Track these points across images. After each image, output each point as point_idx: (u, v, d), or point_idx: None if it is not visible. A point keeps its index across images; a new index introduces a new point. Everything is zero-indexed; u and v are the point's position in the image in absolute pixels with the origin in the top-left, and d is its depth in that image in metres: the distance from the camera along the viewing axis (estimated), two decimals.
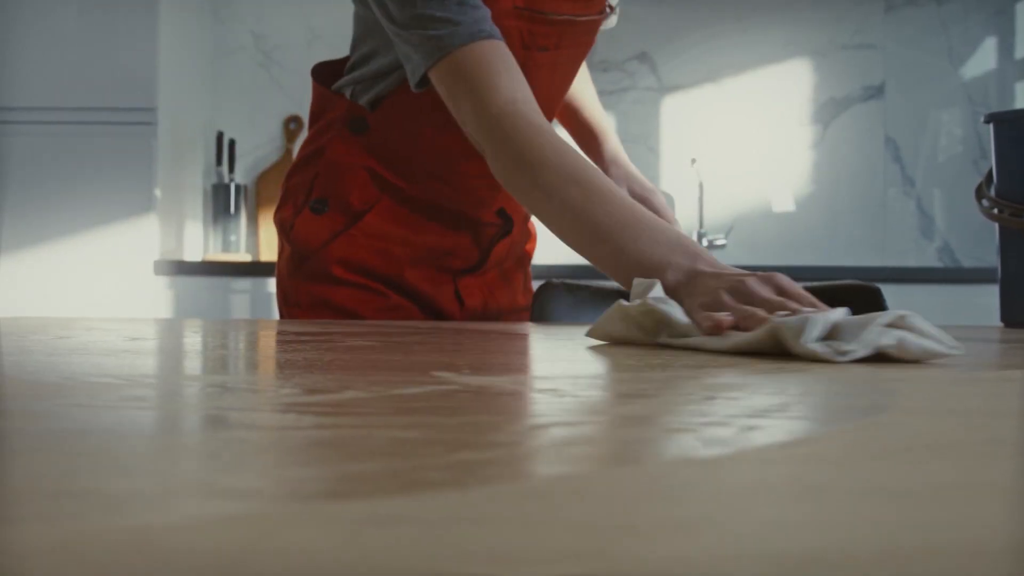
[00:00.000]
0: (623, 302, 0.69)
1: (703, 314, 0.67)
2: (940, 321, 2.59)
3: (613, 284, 1.28)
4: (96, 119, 2.62)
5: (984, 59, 3.14)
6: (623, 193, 0.87)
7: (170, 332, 0.87)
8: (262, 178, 3.08)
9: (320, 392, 0.37)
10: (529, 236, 1.31)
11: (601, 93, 3.10)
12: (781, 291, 0.70)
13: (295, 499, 0.19)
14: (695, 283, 0.74)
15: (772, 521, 0.18)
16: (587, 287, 1.23)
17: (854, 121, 3.13)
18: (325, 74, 1.23)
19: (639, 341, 0.69)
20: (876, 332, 0.55)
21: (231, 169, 3.01)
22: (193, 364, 0.52)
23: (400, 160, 1.16)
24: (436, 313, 1.20)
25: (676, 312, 0.68)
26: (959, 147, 3.13)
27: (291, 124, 3.07)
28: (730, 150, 3.12)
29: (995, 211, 1.08)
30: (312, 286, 1.17)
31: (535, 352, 0.66)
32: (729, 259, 3.06)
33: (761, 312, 0.64)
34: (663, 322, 0.68)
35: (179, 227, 2.85)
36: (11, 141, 2.61)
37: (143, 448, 0.25)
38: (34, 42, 2.62)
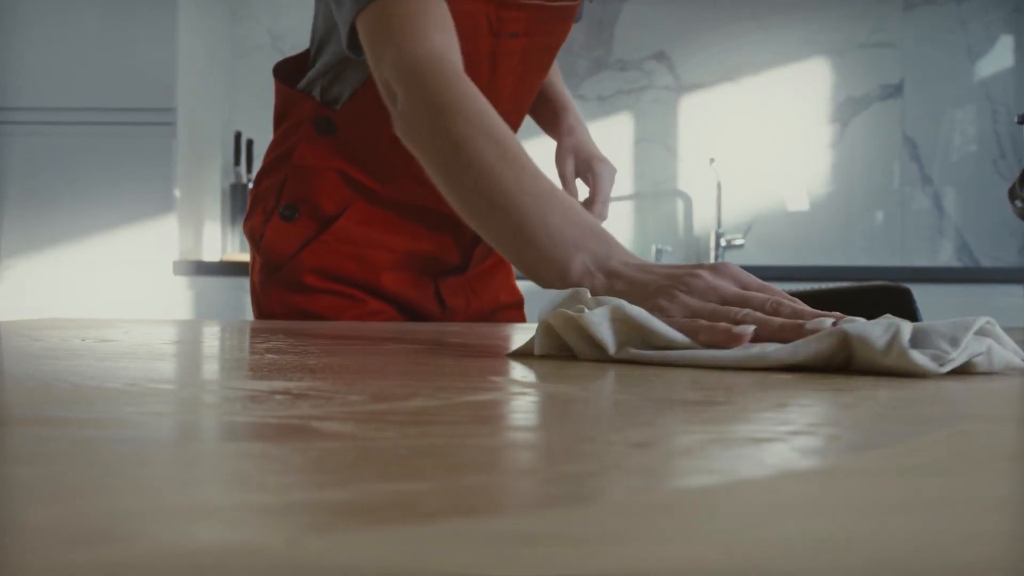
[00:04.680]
0: (550, 315, 0.57)
1: (705, 324, 0.54)
2: None
3: None
4: (116, 120, 2.63)
5: (1002, 57, 3.12)
6: (537, 167, 0.74)
7: (205, 335, 0.87)
8: None
9: (389, 400, 0.37)
10: None
11: (619, 92, 3.10)
12: (741, 284, 0.61)
13: (422, 516, 0.19)
14: (634, 280, 0.62)
15: (908, 534, 0.18)
16: None
17: (872, 120, 3.12)
18: (289, 72, 1.17)
19: (588, 357, 0.56)
20: (972, 339, 0.49)
21: (249, 169, 3.01)
22: (244, 369, 0.52)
23: (371, 159, 1.10)
24: (415, 316, 1.16)
25: (652, 320, 0.55)
26: (977, 145, 3.11)
27: None
28: (748, 150, 3.11)
29: None
30: (286, 295, 1.12)
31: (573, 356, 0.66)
32: (747, 259, 3.06)
33: (757, 314, 0.55)
34: (638, 331, 0.54)
35: (198, 227, 2.86)
36: (30, 141, 2.62)
37: (244, 461, 0.25)
38: (52, 43, 2.63)
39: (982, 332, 0.50)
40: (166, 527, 0.18)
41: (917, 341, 0.49)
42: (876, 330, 0.48)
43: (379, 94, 0.95)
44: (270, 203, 1.14)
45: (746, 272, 0.61)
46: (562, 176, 1.16)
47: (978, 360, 0.49)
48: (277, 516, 0.18)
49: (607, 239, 0.67)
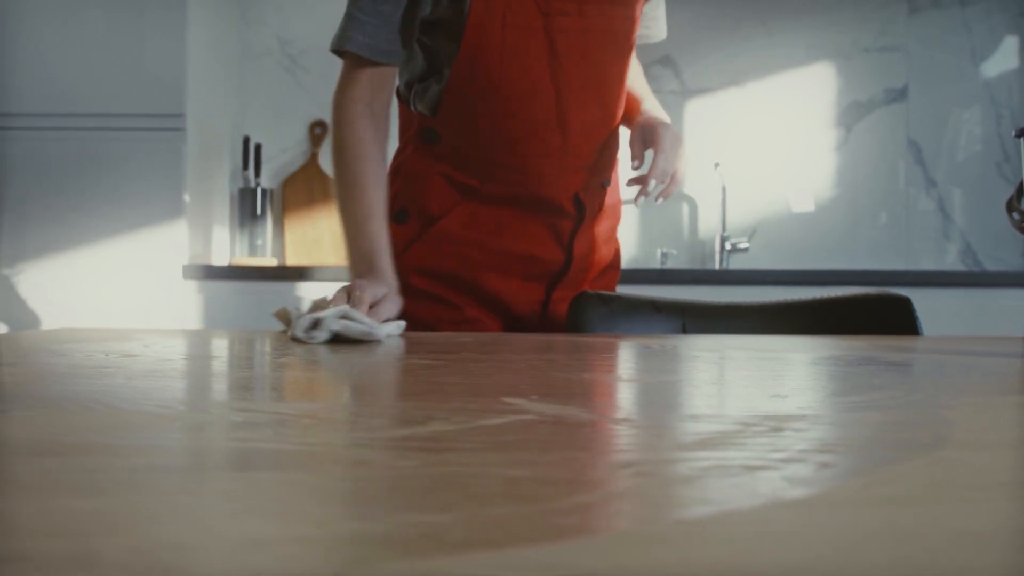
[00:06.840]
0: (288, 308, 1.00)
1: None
2: (967, 329, 2.58)
3: (646, 295, 1.30)
4: (125, 125, 2.66)
5: (1006, 59, 3.14)
6: (378, 202, 1.15)
7: (220, 349, 0.89)
8: (288, 182, 3.11)
9: (407, 424, 0.39)
10: (614, 252, 1.36)
11: None
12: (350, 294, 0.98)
13: (450, 548, 0.21)
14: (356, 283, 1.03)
15: (879, 567, 0.20)
16: (620, 297, 1.25)
17: (877, 124, 3.13)
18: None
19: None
20: (330, 321, 0.85)
21: (257, 173, 3.04)
22: (266, 389, 0.54)
23: (469, 159, 1.23)
24: (514, 319, 1.26)
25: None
26: (981, 147, 3.13)
27: (316, 129, 3.10)
28: (753, 154, 3.13)
29: None
30: None
31: (588, 370, 0.68)
32: (752, 262, 3.08)
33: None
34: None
35: (207, 231, 2.88)
36: (40, 147, 2.65)
37: (286, 490, 0.27)
38: (62, 49, 2.66)
39: (346, 316, 0.86)
40: (225, 559, 0.20)
41: (321, 324, 0.86)
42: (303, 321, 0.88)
43: (461, 97, 1.22)
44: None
45: (364, 288, 1.00)
46: (632, 150, 1.29)
47: (339, 332, 0.85)
48: (324, 548, 0.21)
49: (374, 260, 1.11)
